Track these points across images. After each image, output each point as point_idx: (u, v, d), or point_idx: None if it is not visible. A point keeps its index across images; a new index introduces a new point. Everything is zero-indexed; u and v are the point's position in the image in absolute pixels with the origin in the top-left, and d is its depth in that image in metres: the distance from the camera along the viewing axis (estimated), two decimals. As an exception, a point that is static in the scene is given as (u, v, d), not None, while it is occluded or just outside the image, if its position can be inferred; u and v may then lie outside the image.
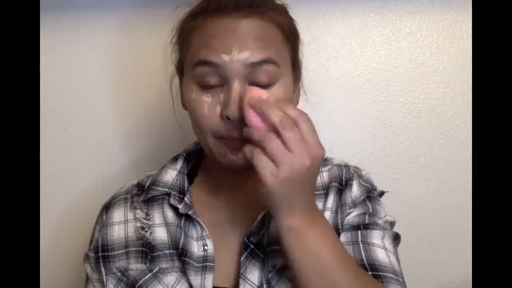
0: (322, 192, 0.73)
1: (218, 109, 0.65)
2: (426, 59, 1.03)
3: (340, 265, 0.60)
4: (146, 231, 0.73)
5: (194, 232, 0.72)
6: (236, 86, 0.64)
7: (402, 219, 0.97)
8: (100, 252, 0.74)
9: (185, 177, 0.77)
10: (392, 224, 0.74)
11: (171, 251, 0.72)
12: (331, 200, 0.72)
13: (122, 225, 0.75)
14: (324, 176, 0.75)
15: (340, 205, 0.72)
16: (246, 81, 0.65)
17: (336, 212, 0.71)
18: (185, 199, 0.73)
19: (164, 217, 0.74)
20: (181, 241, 0.71)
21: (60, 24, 1.02)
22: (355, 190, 0.73)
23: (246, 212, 0.72)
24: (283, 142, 0.57)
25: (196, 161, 0.81)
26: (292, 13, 0.73)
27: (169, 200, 0.74)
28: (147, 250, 0.72)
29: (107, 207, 0.77)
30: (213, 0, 0.66)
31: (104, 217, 0.77)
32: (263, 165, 0.57)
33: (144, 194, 0.75)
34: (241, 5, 0.65)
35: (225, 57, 0.63)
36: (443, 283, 1.06)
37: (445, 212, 1.05)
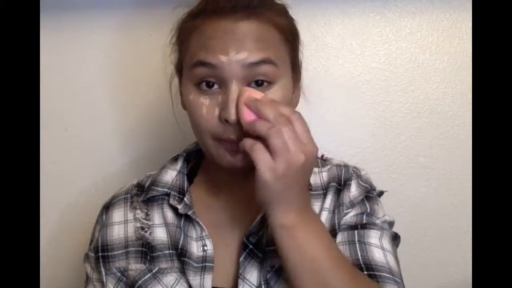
0: (321, 192, 0.73)
1: (216, 111, 0.65)
2: (426, 59, 1.03)
3: (334, 265, 0.60)
4: (146, 231, 0.73)
5: (193, 232, 0.72)
6: (234, 88, 0.64)
7: (402, 219, 0.97)
8: (100, 252, 0.74)
9: (185, 177, 0.77)
10: (391, 224, 0.74)
11: (170, 251, 0.72)
12: (329, 200, 0.72)
13: (122, 225, 0.75)
14: (323, 176, 0.75)
15: (338, 205, 0.72)
16: (245, 82, 0.64)
17: (334, 212, 0.71)
18: (185, 199, 0.73)
19: (164, 217, 0.74)
20: (181, 241, 0.71)
21: (60, 24, 1.02)
22: (354, 190, 0.73)
23: (245, 212, 0.72)
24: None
25: (196, 161, 0.81)
26: (292, 13, 0.73)
27: (168, 200, 0.74)
28: (146, 250, 0.72)
29: (107, 207, 0.77)
30: (211, 2, 0.66)
31: (104, 217, 0.77)
32: (263, 158, 0.57)
33: (144, 194, 0.75)
34: (239, 6, 0.65)
35: (223, 58, 0.63)
36: (443, 283, 1.06)
37: (445, 212, 1.05)
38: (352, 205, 0.72)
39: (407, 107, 1.04)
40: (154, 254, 0.72)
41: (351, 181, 0.73)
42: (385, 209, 0.75)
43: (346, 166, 0.76)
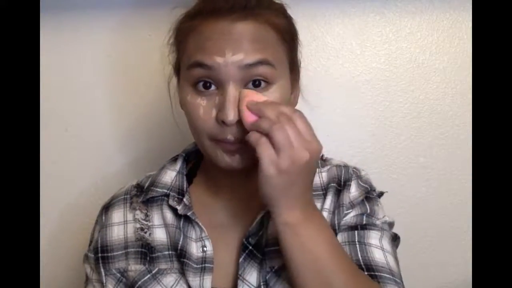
0: (321, 192, 0.73)
1: (213, 112, 0.65)
2: (426, 59, 1.03)
3: (337, 264, 0.60)
4: (146, 232, 0.73)
5: (193, 233, 0.72)
6: (231, 89, 0.64)
7: (402, 219, 0.97)
8: (100, 253, 0.74)
9: (184, 177, 0.76)
10: (390, 225, 0.74)
11: (170, 252, 0.72)
12: (329, 200, 0.72)
13: (122, 226, 0.75)
14: (323, 177, 0.75)
15: (337, 205, 0.72)
16: (242, 83, 0.64)
17: (334, 212, 0.71)
18: (184, 200, 0.73)
19: (163, 218, 0.74)
20: (180, 242, 0.71)
21: (60, 24, 1.02)
22: (353, 191, 0.73)
23: (245, 213, 0.72)
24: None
25: (195, 161, 0.81)
26: (292, 13, 0.72)
27: (168, 201, 0.74)
28: (146, 251, 0.72)
29: (107, 208, 0.77)
30: (208, 3, 0.66)
31: (103, 217, 0.77)
32: (266, 153, 0.58)
33: (143, 195, 0.75)
34: (236, 7, 0.65)
35: (219, 60, 0.63)
36: (443, 283, 1.06)
37: (445, 212, 1.05)
38: (352, 205, 0.72)
39: (407, 107, 1.04)
40: (153, 255, 0.72)
41: (351, 181, 0.73)
42: (385, 209, 0.75)
43: (346, 166, 0.76)
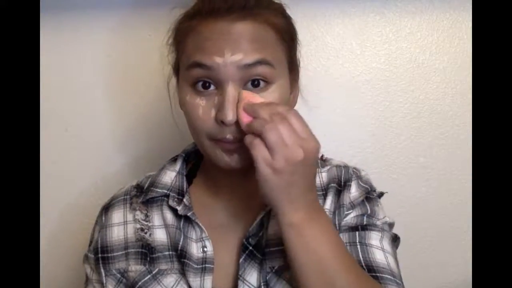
0: (321, 193, 0.73)
1: (213, 112, 0.65)
2: (426, 59, 1.03)
3: (341, 265, 0.60)
4: (146, 233, 0.73)
5: (193, 234, 0.72)
6: (230, 89, 0.64)
7: (402, 219, 0.97)
8: (100, 254, 0.74)
9: (184, 178, 0.76)
10: (391, 225, 0.74)
11: (170, 252, 0.72)
12: (329, 201, 0.72)
13: (122, 227, 0.75)
14: (323, 177, 0.75)
15: (338, 206, 0.72)
16: (241, 83, 0.64)
17: (334, 213, 0.71)
18: (184, 200, 0.73)
19: (163, 218, 0.74)
20: (181, 243, 0.71)
21: (60, 24, 1.01)
22: (354, 191, 0.73)
23: (245, 213, 0.72)
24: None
25: (195, 161, 0.81)
26: (292, 13, 0.72)
27: (168, 202, 0.74)
28: (146, 252, 0.72)
29: (107, 208, 0.77)
30: (207, 3, 0.66)
31: (103, 218, 0.77)
32: (260, 154, 0.58)
33: (143, 196, 0.75)
34: (235, 7, 0.64)
35: (218, 60, 0.63)
36: (443, 283, 1.06)
37: (445, 212, 1.05)
38: (353, 206, 0.72)
39: (407, 107, 1.04)
40: (154, 255, 0.72)
41: (351, 182, 0.73)
42: (385, 209, 0.75)
43: (346, 166, 0.76)
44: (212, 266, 0.69)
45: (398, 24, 1.02)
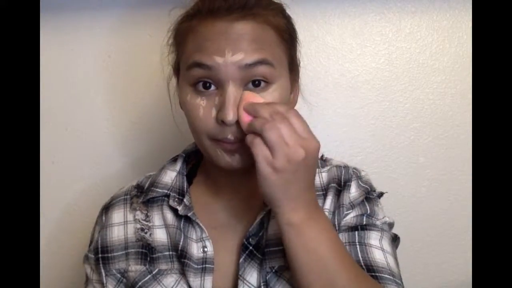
0: (321, 193, 0.73)
1: (213, 112, 0.65)
2: (426, 59, 1.03)
3: (341, 264, 0.60)
4: (146, 233, 0.73)
5: (193, 234, 0.72)
6: (231, 89, 0.64)
7: (402, 219, 0.97)
8: (100, 254, 0.74)
9: (185, 178, 0.76)
10: (390, 225, 0.74)
11: (170, 252, 0.72)
12: (329, 201, 0.72)
13: (122, 226, 0.75)
14: (323, 177, 0.75)
15: (338, 206, 0.72)
16: (242, 83, 0.64)
17: (334, 213, 0.71)
18: (185, 200, 0.73)
19: (164, 218, 0.74)
20: (181, 243, 0.71)
21: (60, 24, 1.02)
22: (354, 191, 0.73)
23: (245, 213, 0.72)
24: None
25: (195, 161, 0.81)
26: (292, 13, 0.72)
27: (168, 202, 0.73)
28: (146, 252, 0.72)
29: (107, 208, 0.77)
30: (207, 3, 0.66)
31: (103, 218, 0.77)
32: (261, 153, 0.58)
33: (143, 196, 0.75)
34: (235, 7, 0.64)
35: (219, 60, 0.63)
36: (443, 283, 1.06)
37: (445, 212, 1.05)
38: (352, 206, 0.72)
39: (407, 107, 1.04)
40: (154, 256, 0.72)
41: (351, 182, 0.73)
42: (385, 209, 0.75)
43: (346, 167, 0.76)
44: (212, 266, 0.69)
45: (398, 24, 1.02)
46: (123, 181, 0.82)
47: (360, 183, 0.74)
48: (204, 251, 0.70)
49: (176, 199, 0.73)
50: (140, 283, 0.70)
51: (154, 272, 0.71)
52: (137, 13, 1.02)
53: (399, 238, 0.77)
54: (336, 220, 0.71)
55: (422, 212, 1.05)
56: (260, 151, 0.58)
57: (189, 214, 0.72)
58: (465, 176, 1.04)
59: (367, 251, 0.68)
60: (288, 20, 0.71)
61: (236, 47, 0.63)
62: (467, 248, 1.04)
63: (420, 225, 1.05)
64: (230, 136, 0.64)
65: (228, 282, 0.70)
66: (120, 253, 0.73)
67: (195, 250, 0.71)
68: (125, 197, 0.77)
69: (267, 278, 0.68)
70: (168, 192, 0.74)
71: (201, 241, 0.71)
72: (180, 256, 0.70)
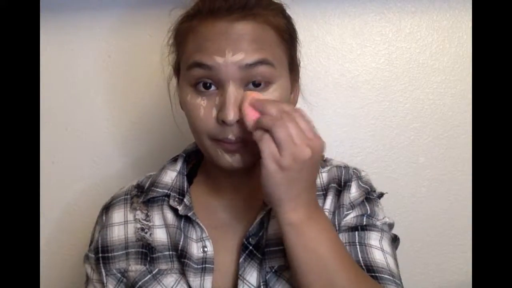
0: (321, 193, 0.73)
1: (214, 112, 0.65)
2: (426, 59, 1.03)
3: (340, 264, 0.60)
4: (146, 233, 0.73)
5: (193, 234, 0.72)
6: (231, 89, 0.64)
7: (402, 219, 0.97)
8: (100, 253, 0.74)
9: (185, 178, 0.76)
10: (390, 226, 0.74)
11: (170, 252, 0.72)
12: (329, 201, 0.72)
13: (122, 226, 0.75)
14: (323, 177, 0.75)
15: (338, 206, 0.72)
16: (242, 84, 0.64)
17: (334, 213, 0.71)
18: (185, 200, 0.73)
19: (164, 218, 0.74)
20: (181, 243, 0.71)
21: (60, 24, 1.02)
22: (354, 192, 0.73)
23: (245, 213, 0.73)
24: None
25: (195, 161, 0.81)
26: (292, 13, 0.72)
27: (168, 202, 0.74)
28: (146, 252, 0.72)
29: (107, 208, 0.77)
30: (207, 3, 0.66)
31: (104, 218, 0.77)
32: (268, 149, 0.58)
33: (143, 195, 0.75)
34: (235, 7, 0.64)
35: (219, 60, 0.63)
36: (443, 283, 1.06)
37: (445, 212, 1.05)
38: (352, 206, 0.72)
39: (407, 107, 1.04)
40: (154, 255, 0.72)
41: (351, 182, 0.73)
42: (385, 209, 0.75)
43: (346, 167, 0.76)
44: (212, 266, 0.69)
45: (398, 24, 1.02)
46: (123, 181, 0.82)
47: (360, 183, 0.74)
48: (204, 251, 0.70)
49: (177, 199, 0.73)
50: (140, 283, 0.70)
51: (154, 272, 0.71)
52: (137, 13, 1.02)
53: (399, 238, 0.77)
54: (336, 220, 0.71)
55: (422, 212, 1.05)
56: (268, 147, 0.58)
57: (189, 214, 0.72)
58: (465, 176, 1.04)
59: (367, 252, 0.68)
60: (288, 20, 0.71)
61: (236, 47, 0.63)
62: (467, 248, 1.04)
63: (420, 225, 1.05)
64: (230, 136, 0.64)
65: (228, 282, 0.70)
66: (120, 252, 0.73)
67: (195, 250, 0.71)
68: (126, 197, 0.77)
69: (267, 277, 0.68)
70: (169, 192, 0.74)
71: (201, 241, 0.71)
72: (180, 256, 0.70)
